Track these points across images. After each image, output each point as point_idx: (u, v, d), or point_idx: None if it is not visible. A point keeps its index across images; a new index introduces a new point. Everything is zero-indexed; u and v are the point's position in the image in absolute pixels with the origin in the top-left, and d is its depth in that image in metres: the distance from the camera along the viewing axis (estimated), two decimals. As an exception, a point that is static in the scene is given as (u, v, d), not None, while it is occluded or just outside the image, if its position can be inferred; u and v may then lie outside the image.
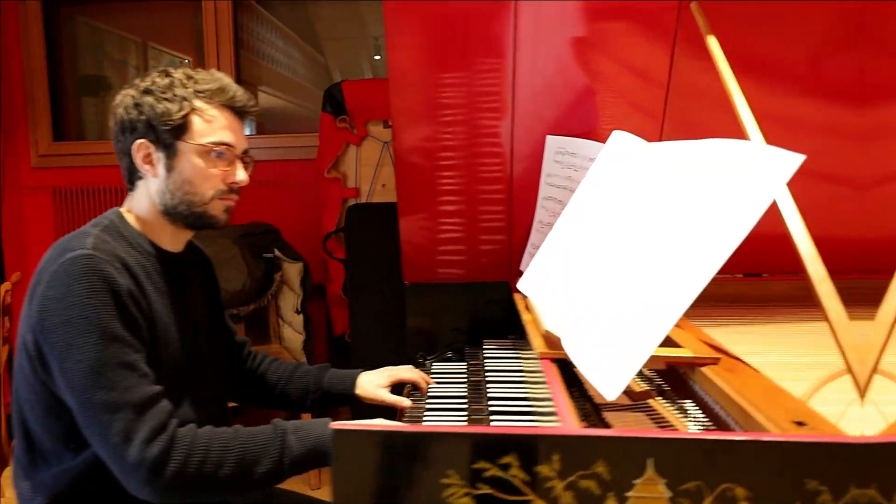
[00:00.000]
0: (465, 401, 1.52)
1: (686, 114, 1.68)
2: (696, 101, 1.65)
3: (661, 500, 0.80)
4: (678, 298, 0.97)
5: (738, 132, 1.23)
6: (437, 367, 1.79)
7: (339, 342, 3.35)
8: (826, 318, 0.95)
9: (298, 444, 1.24)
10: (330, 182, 3.28)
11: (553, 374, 1.19)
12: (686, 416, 1.14)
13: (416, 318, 1.97)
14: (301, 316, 3.23)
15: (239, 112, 1.38)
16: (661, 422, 1.15)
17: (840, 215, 1.74)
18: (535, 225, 1.83)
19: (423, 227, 1.92)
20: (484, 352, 1.82)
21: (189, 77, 1.34)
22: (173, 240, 1.40)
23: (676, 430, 1.10)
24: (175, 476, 1.16)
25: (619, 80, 1.74)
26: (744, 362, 1.14)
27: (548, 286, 1.39)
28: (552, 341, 1.25)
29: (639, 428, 1.13)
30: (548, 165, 1.79)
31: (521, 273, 1.57)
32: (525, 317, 1.53)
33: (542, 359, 1.25)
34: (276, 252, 3.23)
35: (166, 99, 1.31)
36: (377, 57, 3.93)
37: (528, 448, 0.82)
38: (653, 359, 1.10)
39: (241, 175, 1.36)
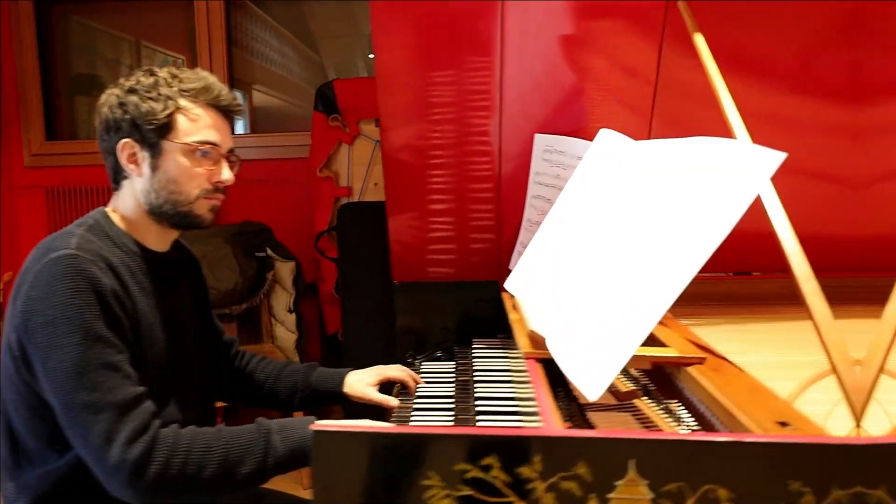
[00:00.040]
0: (453, 400, 1.52)
1: (674, 111, 1.68)
2: (685, 98, 1.64)
3: (643, 502, 0.79)
4: (660, 298, 0.97)
5: (726, 130, 1.23)
6: (427, 366, 1.79)
7: (332, 341, 3.35)
8: (811, 317, 0.95)
9: (283, 444, 1.23)
10: (322, 181, 3.27)
11: (538, 374, 1.18)
12: (672, 417, 1.14)
13: (406, 317, 1.97)
14: (293, 315, 3.23)
15: (224, 111, 1.37)
16: (646, 422, 1.14)
17: (832, 213, 1.74)
18: (524, 224, 1.83)
19: (412, 226, 1.91)
20: (473, 351, 1.81)
21: (174, 76, 1.33)
22: (159, 239, 1.39)
23: (660, 430, 1.10)
24: (157, 477, 1.15)
25: (607, 78, 1.74)
26: (730, 362, 1.13)
27: (535, 286, 1.39)
28: (538, 341, 1.24)
29: (624, 429, 1.13)
30: (536, 164, 1.78)
31: (510, 272, 1.56)
32: (512, 316, 1.52)
33: (527, 359, 1.25)
34: (269, 251, 3.23)
35: (151, 98, 1.30)
36: (371, 55, 3.93)
37: (510, 449, 0.82)
38: (638, 358, 1.10)
39: (226, 174, 1.36)
